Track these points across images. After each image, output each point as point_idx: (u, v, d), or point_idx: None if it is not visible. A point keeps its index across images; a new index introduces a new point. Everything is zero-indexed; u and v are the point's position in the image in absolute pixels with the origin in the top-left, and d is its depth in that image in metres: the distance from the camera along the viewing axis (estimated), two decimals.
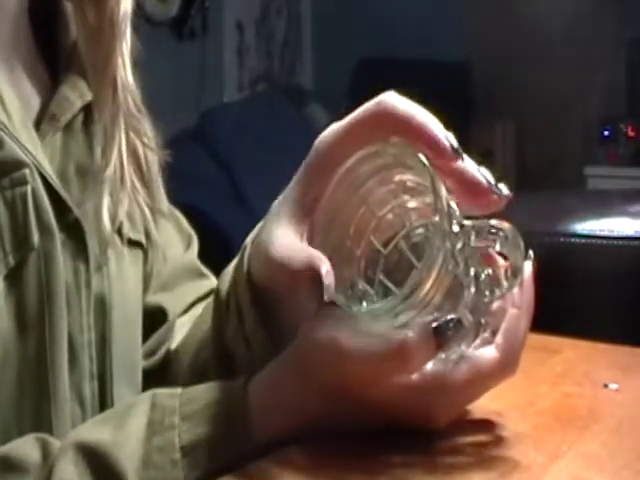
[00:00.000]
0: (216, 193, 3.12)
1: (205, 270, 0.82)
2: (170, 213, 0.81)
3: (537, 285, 0.55)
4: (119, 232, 0.69)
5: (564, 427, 0.56)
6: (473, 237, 0.52)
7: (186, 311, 0.78)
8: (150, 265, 0.75)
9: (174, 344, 0.74)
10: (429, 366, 0.52)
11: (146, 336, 0.76)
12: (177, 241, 0.81)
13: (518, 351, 0.54)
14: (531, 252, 0.54)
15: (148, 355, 0.76)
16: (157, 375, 0.75)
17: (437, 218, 0.50)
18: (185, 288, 0.79)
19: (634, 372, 0.68)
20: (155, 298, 0.77)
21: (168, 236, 0.79)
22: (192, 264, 0.81)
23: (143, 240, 0.73)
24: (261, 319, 0.60)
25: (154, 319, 0.77)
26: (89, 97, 0.68)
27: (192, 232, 0.83)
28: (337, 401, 0.53)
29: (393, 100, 0.54)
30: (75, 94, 0.68)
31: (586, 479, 0.49)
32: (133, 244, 0.72)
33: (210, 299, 0.71)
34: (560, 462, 0.51)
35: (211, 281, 0.81)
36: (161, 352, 0.75)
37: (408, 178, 0.54)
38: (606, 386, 0.63)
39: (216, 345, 0.66)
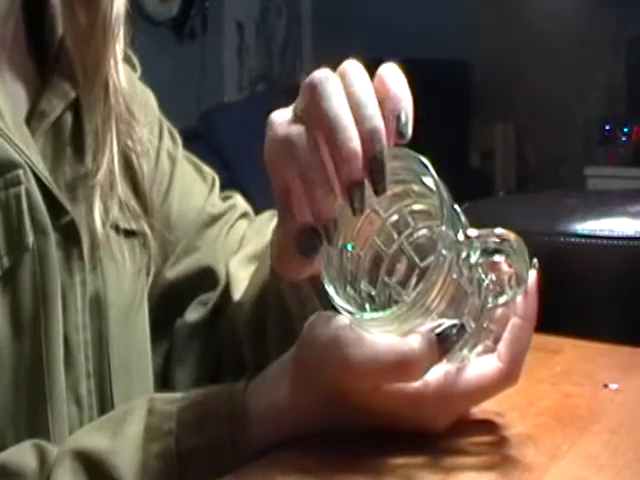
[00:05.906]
0: None
1: (227, 203, 0.83)
2: (190, 161, 0.83)
3: (538, 287, 0.55)
4: (115, 228, 0.69)
5: (564, 427, 0.56)
6: (478, 246, 0.52)
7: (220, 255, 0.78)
8: (149, 251, 0.74)
9: (237, 295, 0.74)
10: (432, 373, 0.52)
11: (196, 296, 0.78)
12: (199, 187, 0.82)
13: (520, 361, 0.54)
14: (536, 261, 0.53)
15: (201, 304, 0.77)
16: (213, 322, 0.76)
17: (443, 227, 0.50)
18: (217, 238, 0.80)
19: (634, 372, 0.68)
20: (192, 260, 0.78)
21: (189, 183, 0.81)
22: (211, 213, 0.81)
23: (139, 228, 0.72)
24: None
25: (204, 280, 0.77)
26: (73, 95, 0.67)
27: (213, 173, 0.84)
28: (338, 409, 0.53)
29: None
30: (62, 92, 0.67)
31: (586, 479, 0.49)
32: (129, 234, 0.71)
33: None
34: (560, 462, 0.51)
35: (236, 209, 0.83)
36: (213, 301, 0.77)
37: (414, 183, 0.54)
38: (606, 386, 0.63)
39: (274, 304, 0.67)
